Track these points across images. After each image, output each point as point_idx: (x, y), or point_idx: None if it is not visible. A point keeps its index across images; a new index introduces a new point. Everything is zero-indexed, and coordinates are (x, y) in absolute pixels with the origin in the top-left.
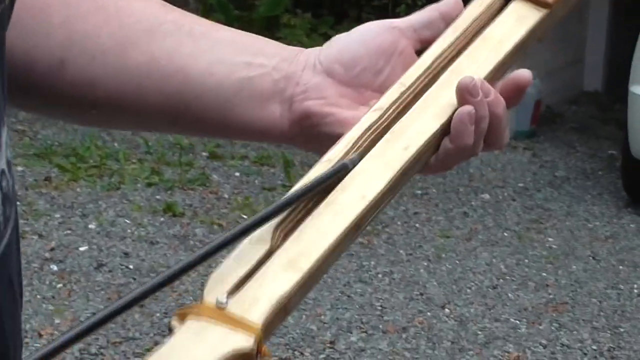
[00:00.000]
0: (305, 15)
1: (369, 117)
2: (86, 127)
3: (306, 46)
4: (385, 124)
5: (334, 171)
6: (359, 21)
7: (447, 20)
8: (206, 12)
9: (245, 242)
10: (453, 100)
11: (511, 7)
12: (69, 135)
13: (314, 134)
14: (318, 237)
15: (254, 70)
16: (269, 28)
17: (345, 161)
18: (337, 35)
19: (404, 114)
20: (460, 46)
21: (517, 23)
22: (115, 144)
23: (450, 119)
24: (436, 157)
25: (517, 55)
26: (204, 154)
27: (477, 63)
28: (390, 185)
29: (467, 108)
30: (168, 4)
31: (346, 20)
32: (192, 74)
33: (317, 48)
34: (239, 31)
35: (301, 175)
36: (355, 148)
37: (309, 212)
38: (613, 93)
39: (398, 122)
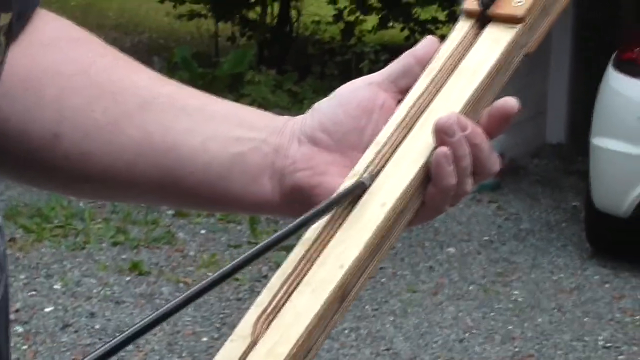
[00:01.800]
0: (270, 72)
1: (346, 185)
2: (81, 198)
3: (270, 102)
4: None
5: (351, 188)
6: (322, 77)
7: (425, 64)
8: (171, 70)
9: (227, 342)
10: (430, 143)
11: (484, 34)
12: (34, 195)
13: (306, 206)
14: (295, 318)
15: (245, 145)
16: (234, 85)
17: (362, 179)
18: (318, 102)
19: (382, 172)
20: (437, 88)
21: (490, 47)
22: (81, 204)
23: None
24: (424, 203)
25: (502, 78)
26: (170, 212)
27: (451, 100)
28: (370, 248)
29: (442, 149)
30: (163, 77)
31: (310, 76)
32: (185, 150)
33: (302, 117)
34: (232, 104)
35: (267, 233)
36: (333, 221)
37: (289, 296)
38: (576, 145)
39: (376, 181)
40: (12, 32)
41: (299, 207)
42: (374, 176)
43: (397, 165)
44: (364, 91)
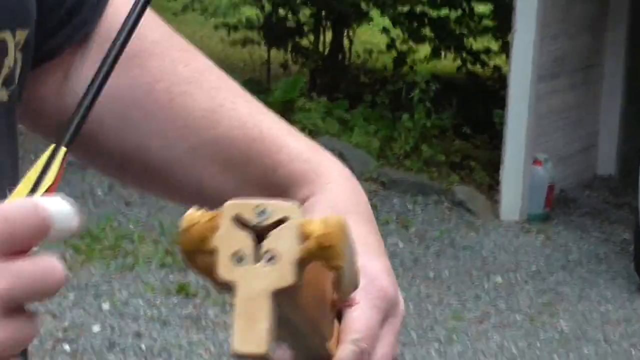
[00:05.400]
0: (321, 99)
1: None
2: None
3: (321, 129)
4: None
5: None
6: (373, 106)
7: None
8: None
9: None
10: None
11: None
12: (84, 216)
13: None
14: None
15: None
16: (285, 112)
17: None
18: None
19: None
20: None
21: None
22: (131, 226)
23: None
24: None
25: None
26: None
27: None
28: None
29: None
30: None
31: (361, 104)
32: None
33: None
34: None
35: None
36: None
37: None
38: (627, 178)
39: None
40: (30, 49)
41: None
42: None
43: None
44: None
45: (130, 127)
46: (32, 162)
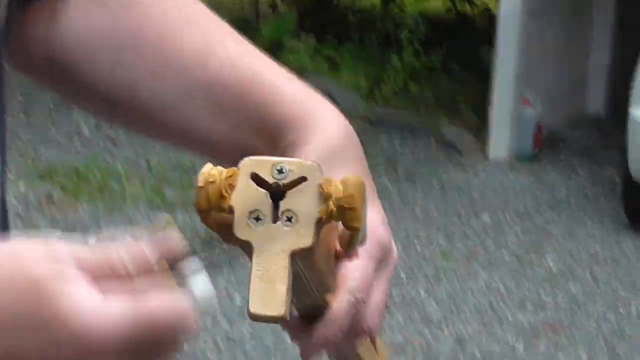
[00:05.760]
0: (309, 38)
1: None
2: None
3: (309, 69)
4: None
5: None
6: (362, 44)
7: None
8: None
9: None
10: None
11: None
12: (72, 156)
13: None
14: None
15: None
16: (273, 52)
17: None
18: None
19: None
20: None
21: None
22: (118, 165)
23: None
24: None
25: None
26: None
27: None
28: None
29: None
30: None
31: (349, 44)
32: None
33: None
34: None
35: None
36: None
37: None
38: (615, 117)
39: None
40: None
41: None
42: None
43: None
44: None
45: (122, 68)
46: (19, 102)
